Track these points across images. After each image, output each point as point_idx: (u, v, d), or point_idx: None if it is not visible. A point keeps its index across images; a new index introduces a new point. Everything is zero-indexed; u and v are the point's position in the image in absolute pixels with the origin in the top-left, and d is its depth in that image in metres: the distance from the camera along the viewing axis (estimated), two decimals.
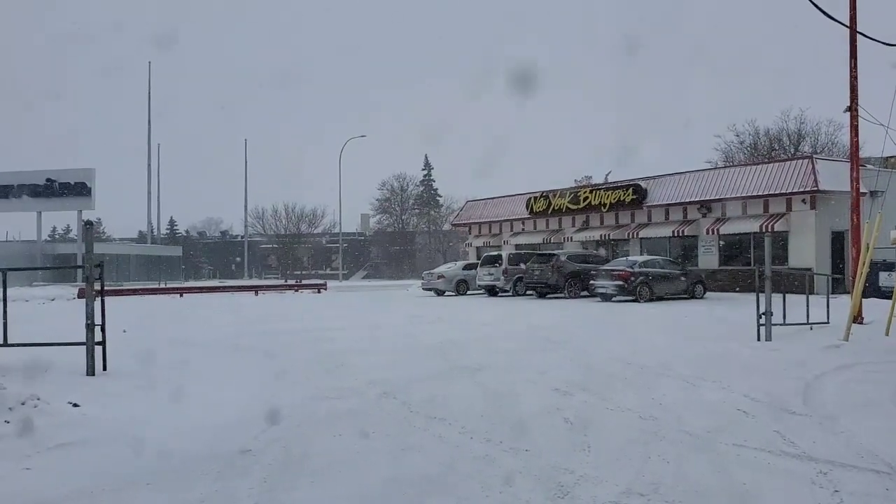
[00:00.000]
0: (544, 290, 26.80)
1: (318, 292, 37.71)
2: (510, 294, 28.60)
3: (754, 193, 26.99)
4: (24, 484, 5.09)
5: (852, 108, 14.63)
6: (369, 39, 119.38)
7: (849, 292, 16.78)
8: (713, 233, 28.50)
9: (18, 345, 9.72)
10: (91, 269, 9.24)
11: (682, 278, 24.71)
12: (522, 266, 28.05)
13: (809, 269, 23.29)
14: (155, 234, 72.01)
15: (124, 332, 13.26)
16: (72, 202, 50.54)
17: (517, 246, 36.79)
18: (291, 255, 75.08)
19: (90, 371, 9.06)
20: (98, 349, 9.22)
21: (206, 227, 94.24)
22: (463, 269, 32.00)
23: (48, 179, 50.28)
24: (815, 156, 29.04)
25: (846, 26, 14.07)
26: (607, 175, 37.54)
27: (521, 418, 6.92)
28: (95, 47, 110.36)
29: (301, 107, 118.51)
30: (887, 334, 12.50)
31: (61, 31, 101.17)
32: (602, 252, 30.86)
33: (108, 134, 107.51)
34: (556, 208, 35.15)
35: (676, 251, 30.23)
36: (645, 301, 22.93)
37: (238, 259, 75.68)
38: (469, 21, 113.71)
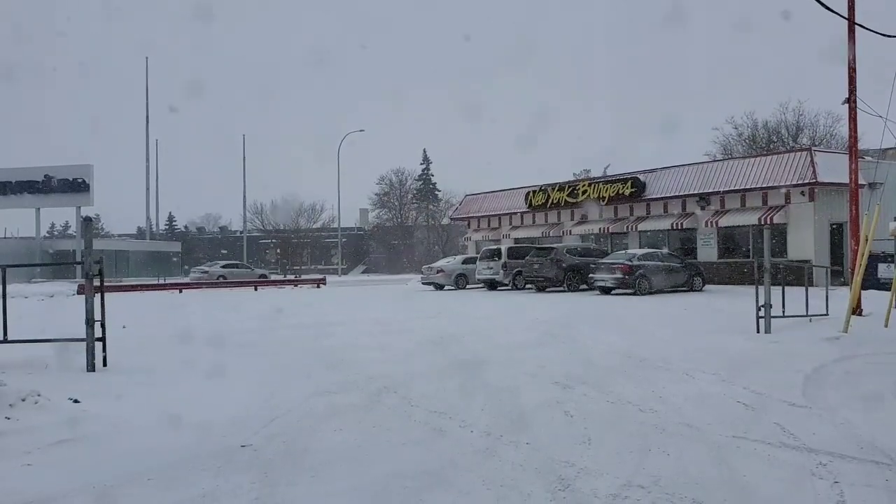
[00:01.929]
0: (543, 284, 26.80)
1: (318, 287, 37.70)
2: (509, 288, 28.59)
3: (753, 186, 26.98)
4: (25, 480, 5.10)
5: (851, 100, 14.62)
6: (367, 35, 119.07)
7: (848, 284, 16.80)
8: (712, 225, 28.50)
9: (18, 341, 9.72)
10: (90, 266, 9.24)
11: (681, 271, 24.71)
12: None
13: (808, 262, 23.32)
14: (154, 229, 71.99)
15: (124, 328, 13.27)
16: (70, 198, 50.49)
17: (516, 240, 36.76)
18: (290, 251, 75.02)
19: (90, 367, 9.07)
20: (98, 345, 9.23)
21: (205, 222, 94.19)
22: (462, 263, 31.96)
23: (46, 175, 50.21)
24: (813, 148, 29.02)
25: (845, 18, 14.05)
26: (606, 168, 37.52)
27: (521, 412, 6.93)
28: (95, 43, 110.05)
29: (300, 103, 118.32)
30: (886, 326, 12.52)
31: (61, 26, 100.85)
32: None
33: (106, 129, 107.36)
34: (554, 202, 35.14)
35: (675, 244, 30.23)
36: (644, 294, 22.94)
37: (226, 251, 75.68)
38: (468, 18, 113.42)
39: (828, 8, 12.97)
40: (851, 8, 14.17)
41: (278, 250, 76.27)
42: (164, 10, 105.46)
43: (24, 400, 6.83)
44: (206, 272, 43.11)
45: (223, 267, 43.99)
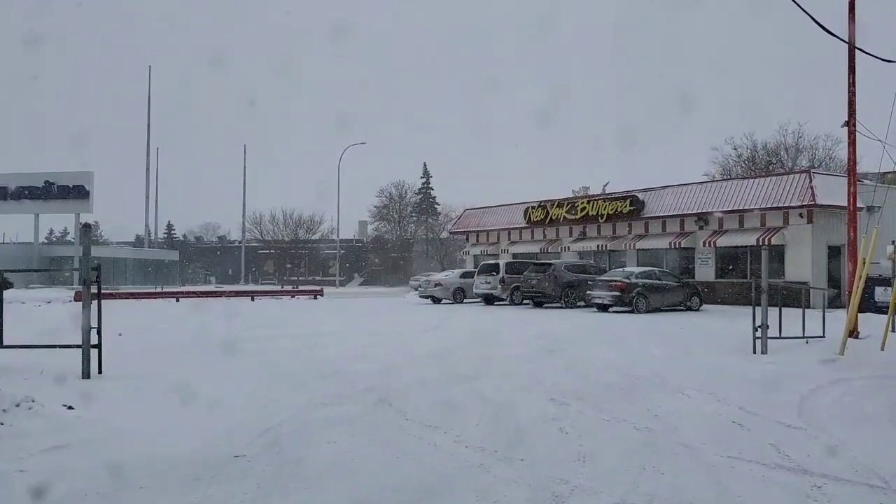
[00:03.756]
0: (541, 300, 26.81)
1: (315, 298, 37.66)
2: (507, 303, 28.59)
3: (751, 207, 27.06)
4: (17, 486, 5.08)
5: (850, 123, 14.67)
6: (368, 45, 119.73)
7: (844, 306, 16.81)
8: (710, 245, 28.55)
9: (14, 346, 9.71)
10: (88, 272, 9.24)
11: (679, 290, 24.73)
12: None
13: (806, 283, 23.33)
14: (152, 238, 71.94)
15: (120, 335, 13.26)
16: (70, 205, 50.54)
17: (515, 255, 36.80)
18: (288, 261, 75.00)
19: (85, 374, 9.06)
20: (94, 352, 9.21)
21: (204, 231, 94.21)
22: (460, 277, 31.99)
23: (46, 182, 50.30)
24: (812, 170, 29.15)
25: (845, 42, 14.14)
26: (605, 186, 37.57)
27: (516, 427, 6.92)
28: (96, 49, 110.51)
29: (300, 113, 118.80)
30: (883, 349, 12.51)
31: (61, 30, 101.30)
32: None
33: (107, 137, 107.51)
34: (553, 218, 35.20)
35: (673, 263, 30.26)
36: (641, 312, 22.94)
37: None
38: (470, 28, 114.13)
39: (828, 31, 13.07)
40: (852, 32, 14.26)
41: (273, 261, 76.27)
42: (166, 18, 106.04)
43: (18, 405, 6.81)
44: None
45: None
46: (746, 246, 27.37)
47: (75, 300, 29.34)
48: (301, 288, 49.12)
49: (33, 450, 5.89)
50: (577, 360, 11.68)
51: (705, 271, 29.20)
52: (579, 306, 25.80)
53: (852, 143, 14.86)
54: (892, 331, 13.41)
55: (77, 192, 50.06)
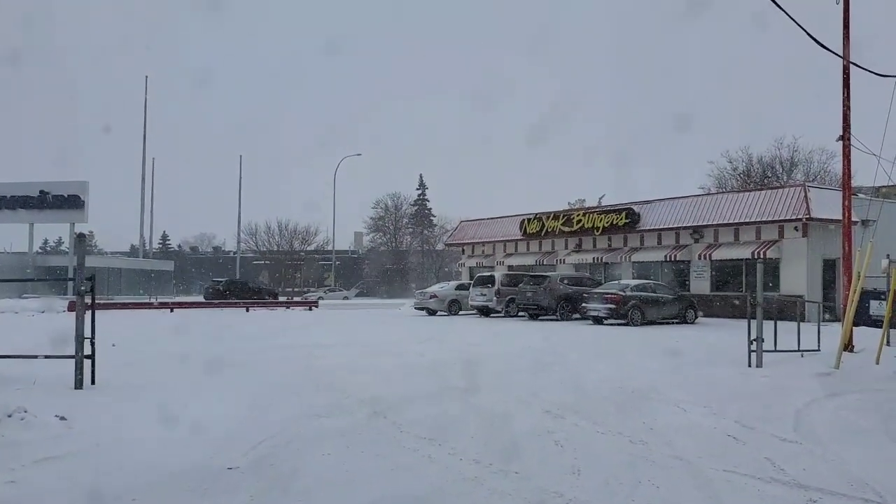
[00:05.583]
0: (536, 312, 26.79)
1: (310, 310, 37.56)
2: (502, 315, 28.56)
3: (747, 220, 27.12)
4: (6, 498, 5.03)
5: (845, 138, 14.74)
6: (364, 57, 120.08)
7: (839, 320, 16.84)
8: (705, 258, 28.59)
9: (6, 356, 9.65)
10: (82, 282, 9.20)
11: (674, 303, 24.73)
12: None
13: (801, 297, 23.37)
14: (147, 248, 71.76)
15: (113, 346, 13.20)
16: (65, 214, 50.46)
17: (510, 267, 36.80)
18: (283, 272, 74.88)
19: (78, 384, 9.00)
20: (87, 362, 9.16)
21: (199, 242, 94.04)
22: (456, 289, 31.95)
23: (41, 191, 50.22)
24: (807, 184, 29.24)
25: (840, 56, 14.23)
26: (601, 198, 37.62)
27: (511, 440, 6.89)
28: (92, 59, 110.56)
29: (296, 124, 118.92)
30: (878, 363, 12.52)
31: (57, 40, 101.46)
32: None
33: (102, 147, 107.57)
34: (549, 230, 35.24)
35: (669, 276, 30.28)
36: (637, 325, 22.93)
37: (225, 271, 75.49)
38: (469, 41, 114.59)
39: (824, 46, 13.18)
40: (846, 47, 14.35)
41: (268, 272, 76.13)
42: (162, 29, 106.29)
43: (10, 416, 6.77)
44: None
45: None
46: (742, 259, 27.43)
47: (69, 310, 29.21)
48: (296, 299, 49.01)
49: (25, 460, 5.85)
50: (572, 373, 11.66)
51: (701, 284, 29.23)
52: (575, 319, 25.79)
53: (847, 157, 14.92)
54: (888, 344, 13.42)
55: (72, 202, 49.99)
